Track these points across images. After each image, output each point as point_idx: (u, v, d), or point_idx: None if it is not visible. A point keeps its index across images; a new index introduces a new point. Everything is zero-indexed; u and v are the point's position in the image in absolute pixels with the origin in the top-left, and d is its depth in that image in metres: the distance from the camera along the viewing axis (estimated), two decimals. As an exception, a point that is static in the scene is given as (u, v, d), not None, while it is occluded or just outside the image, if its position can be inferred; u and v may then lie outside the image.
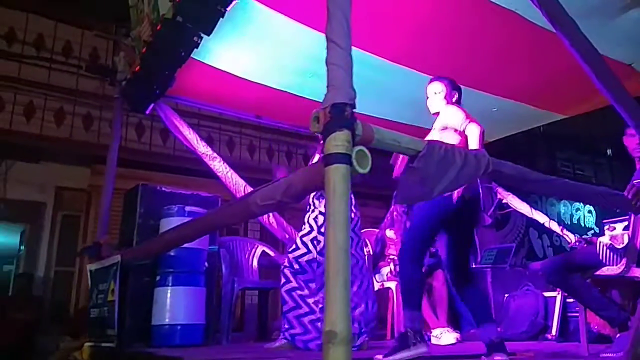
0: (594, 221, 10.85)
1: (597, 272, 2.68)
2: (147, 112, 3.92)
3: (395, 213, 4.13)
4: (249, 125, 7.36)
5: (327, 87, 1.34)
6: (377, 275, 4.18)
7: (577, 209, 11.13)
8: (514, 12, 3.15)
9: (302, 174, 1.50)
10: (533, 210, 4.97)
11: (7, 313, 5.39)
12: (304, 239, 3.03)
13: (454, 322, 3.99)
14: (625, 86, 4.00)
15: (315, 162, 1.93)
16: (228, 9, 2.73)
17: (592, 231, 10.21)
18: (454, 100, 2.67)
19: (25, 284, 6.03)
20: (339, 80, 1.33)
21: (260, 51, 3.67)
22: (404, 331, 2.28)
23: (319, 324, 2.85)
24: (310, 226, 3.07)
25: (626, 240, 2.55)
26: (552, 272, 2.68)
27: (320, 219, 3.06)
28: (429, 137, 2.52)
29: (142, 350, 2.89)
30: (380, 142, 1.43)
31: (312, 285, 2.95)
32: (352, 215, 3.08)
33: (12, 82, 6.22)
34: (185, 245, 3.14)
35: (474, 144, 2.39)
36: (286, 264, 3.00)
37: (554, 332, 3.81)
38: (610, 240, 2.58)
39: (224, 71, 3.81)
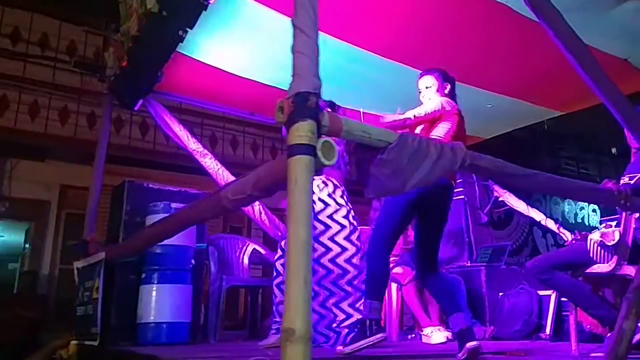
0: (599, 220, 10.76)
1: (588, 270, 2.62)
2: (136, 108, 3.88)
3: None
4: (252, 124, 7.36)
5: (292, 75, 1.29)
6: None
7: (582, 208, 11.04)
8: (505, 5, 3.09)
9: (269, 167, 1.45)
10: (529, 208, 4.91)
11: (12, 311, 5.38)
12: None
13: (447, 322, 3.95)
14: (622, 81, 3.97)
15: None
16: (210, 1, 2.68)
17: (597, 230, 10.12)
18: (446, 92, 2.62)
19: (30, 281, 6.05)
20: (304, 68, 1.29)
21: (252, 47, 3.63)
22: (363, 320, 2.28)
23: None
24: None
25: (617, 237, 2.49)
26: (540, 270, 2.62)
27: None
28: (418, 130, 2.48)
29: (121, 348, 2.85)
30: (349, 133, 1.38)
31: None
32: (346, 204, 3.06)
33: (17, 81, 6.26)
34: (171, 242, 3.12)
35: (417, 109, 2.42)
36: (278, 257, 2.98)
37: (548, 331, 3.74)
38: (600, 237, 2.52)
39: (217, 68, 3.78)
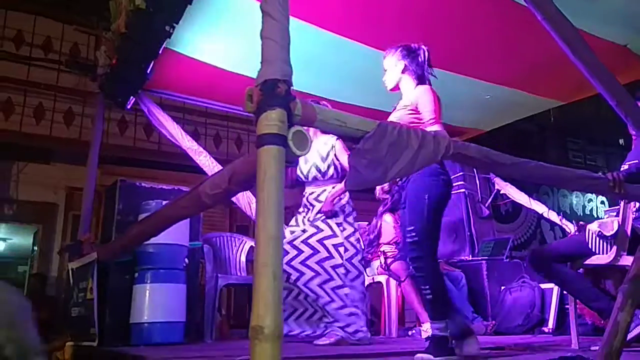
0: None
1: (587, 262, 2.55)
2: (129, 106, 3.85)
3: (378, 194, 4.00)
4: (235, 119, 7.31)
5: (261, 62, 1.24)
6: (367, 270, 4.08)
7: (590, 200, 10.92)
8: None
9: (244, 160, 1.40)
10: (531, 200, 4.83)
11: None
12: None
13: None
14: (623, 68, 3.88)
15: None
16: (195, -6, 2.64)
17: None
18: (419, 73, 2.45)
19: (39, 284, 6.06)
20: (273, 55, 1.23)
21: (244, 42, 3.57)
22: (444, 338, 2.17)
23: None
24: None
25: (616, 227, 2.43)
26: (538, 263, 2.56)
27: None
28: (391, 117, 2.37)
29: (115, 349, 2.82)
30: (323, 122, 1.33)
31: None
32: (348, 206, 3.03)
33: (21, 84, 6.27)
34: (164, 241, 3.10)
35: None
36: None
37: (550, 325, 3.68)
38: (599, 227, 2.45)
39: (210, 64, 3.73)
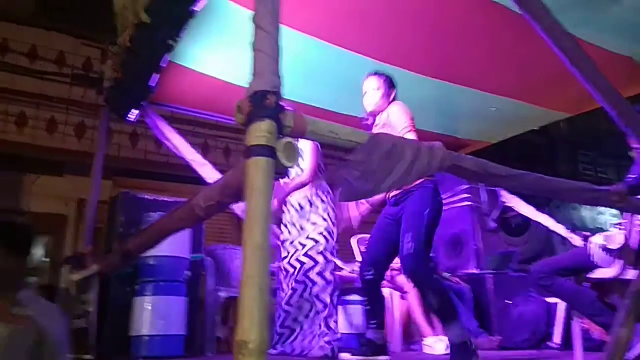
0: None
1: (592, 275, 2.51)
2: (134, 119, 3.87)
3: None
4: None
5: (252, 74, 1.24)
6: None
7: (600, 213, 10.77)
8: (499, 4, 3.01)
9: (235, 172, 1.39)
10: (538, 213, 4.76)
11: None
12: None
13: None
14: (628, 79, 3.85)
15: None
16: (197, 9, 2.65)
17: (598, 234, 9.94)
18: (391, 99, 2.67)
19: (49, 295, 6.08)
20: (263, 67, 1.23)
21: (248, 55, 3.60)
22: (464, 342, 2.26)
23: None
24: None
25: (622, 240, 2.38)
26: (542, 276, 2.52)
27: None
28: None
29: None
30: (315, 133, 1.32)
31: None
32: (315, 197, 3.04)
33: (34, 97, 6.37)
34: (165, 253, 3.12)
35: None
36: None
37: (557, 339, 3.60)
38: (604, 240, 2.41)
39: (215, 77, 3.75)
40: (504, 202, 5.04)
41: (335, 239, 3.10)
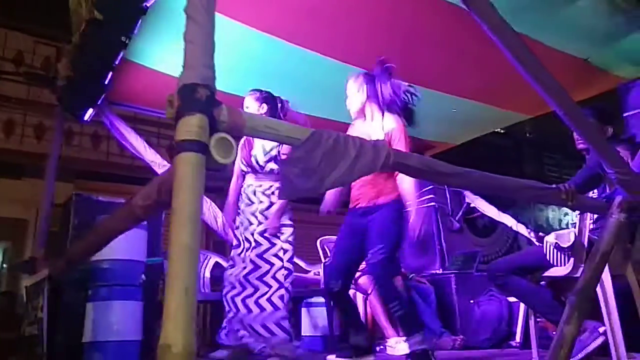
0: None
1: (545, 274, 2.53)
2: (89, 119, 3.77)
3: None
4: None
5: (183, 67, 1.19)
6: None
7: (566, 214, 10.99)
8: (455, 5, 3.03)
9: (170, 169, 1.34)
10: (500, 213, 4.83)
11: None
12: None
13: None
14: (586, 82, 3.91)
15: None
16: (148, 4, 2.59)
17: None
18: (382, 99, 2.65)
19: (7, 302, 5.87)
20: (194, 59, 1.18)
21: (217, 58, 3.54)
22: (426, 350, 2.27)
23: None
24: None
25: (572, 238, 2.41)
26: (497, 275, 2.53)
27: None
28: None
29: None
30: (253, 129, 1.28)
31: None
32: (288, 222, 2.99)
33: None
34: (119, 257, 3.02)
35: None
36: None
37: (518, 338, 3.63)
38: (555, 238, 2.44)
39: (171, 75, 3.68)
40: (468, 203, 5.09)
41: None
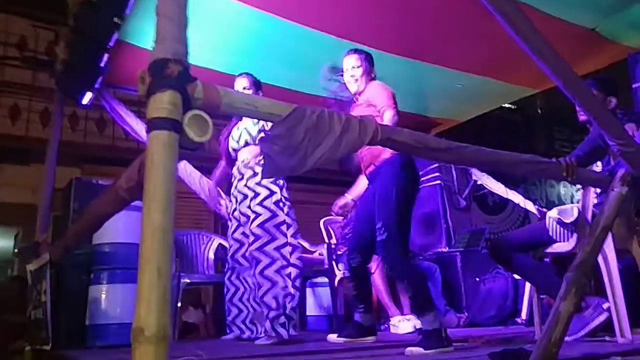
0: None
1: (548, 250, 2.48)
2: (88, 103, 3.75)
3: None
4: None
5: (155, 42, 1.15)
6: (340, 265, 4.00)
7: (578, 190, 10.82)
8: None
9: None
10: (508, 190, 4.76)
11: (-1, 316, 5.31)
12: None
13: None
14: (593, 53, 3.80)
15: None
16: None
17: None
18: (372, 76, 2.57)
19: (19, 286, 5.97)
20: (165, 33, 1.14)
21: (204, 35, 3.48)
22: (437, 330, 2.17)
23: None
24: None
25: (576, 213, 2.35)
26: (498, 253, 2.48)
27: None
28: (353, 113, 2.35)
29: (66, 351, 2.73)
30: (230, 106, 1.24)
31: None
32: (284, 200, 2.91)
33: None
34: (120, 240, 3.03)
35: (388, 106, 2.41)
36: None
37: (523, 315, 3.60)
38: (558, 214, 2.38)
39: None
40: (475, 180, 5.03)
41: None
